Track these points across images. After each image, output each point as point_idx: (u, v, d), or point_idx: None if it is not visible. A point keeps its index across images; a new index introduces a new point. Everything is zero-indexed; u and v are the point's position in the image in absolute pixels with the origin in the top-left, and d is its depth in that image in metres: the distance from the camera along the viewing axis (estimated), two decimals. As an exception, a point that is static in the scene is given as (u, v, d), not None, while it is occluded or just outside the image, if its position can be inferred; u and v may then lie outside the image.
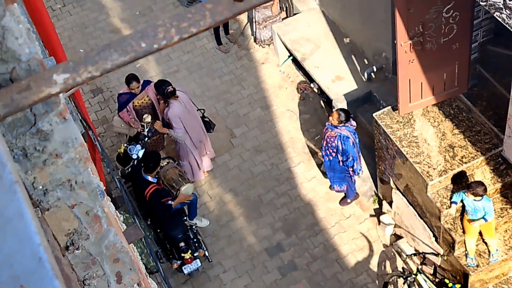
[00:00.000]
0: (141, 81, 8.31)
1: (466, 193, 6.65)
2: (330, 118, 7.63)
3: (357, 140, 7.72)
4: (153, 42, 1.48)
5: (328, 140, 7.74)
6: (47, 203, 1.60)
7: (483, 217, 6.72)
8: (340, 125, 7.56)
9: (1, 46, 1.47)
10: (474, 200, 6.61)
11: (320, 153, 8.64)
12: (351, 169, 7.89)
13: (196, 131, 8.34)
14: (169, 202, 7.61)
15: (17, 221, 1.15)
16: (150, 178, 7.59)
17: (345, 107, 8.60)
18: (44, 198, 1.60)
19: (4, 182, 1.20)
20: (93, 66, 1.47)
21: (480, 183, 6.62)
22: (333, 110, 8.08)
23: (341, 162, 7.83)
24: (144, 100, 8.28)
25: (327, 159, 7.94)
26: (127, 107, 8.31)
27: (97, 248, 1.70)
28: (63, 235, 1.64)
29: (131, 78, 8.16)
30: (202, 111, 8.60)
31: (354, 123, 7.69)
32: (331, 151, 7.80)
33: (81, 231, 1.68)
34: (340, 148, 7.67)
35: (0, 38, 1.47)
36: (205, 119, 8.57)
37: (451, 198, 6.99)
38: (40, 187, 1.60)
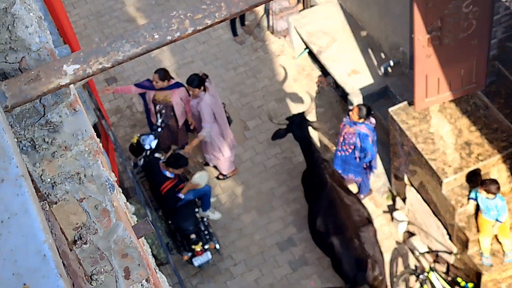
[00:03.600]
0: (171, 81, 8.22)
1: (479, 190, 6.58)
2: (350, 113, 7.55)
3: (375, 138, 7.64)
4: (167, 33, 1.44)
5: (345, 136, 7.68)
6: (55, 196, 1.56)
7: (496, 219, 6.65)
8: (360, 121, 7.48)
9: (11, 35, 1.43)
10: (487, 198, 6.54)
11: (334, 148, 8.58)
12: (367, 166, 7.84)
13: (224, 121, 8.34)
14: (179, 194, 7.59)
15: (22, 217, 1.12)
16: (168, 174, 7.57)
17: (361, 102, 8.53)
18: (52, 191, 1.56)
19: (10, 175, 1.16)
20: (104, 57, 1.43)
21: (494, 181, 6.54)
22: (354, 105, 8.01)
23: (357, 159, 7.77)
24: (165, 99, 8.23)
25: (343, 154, 7.88)
26: (147, 97, 8.28)
27: (105, 243, 1.67)
28: (71, 229, 1.61)
29: (156, 71, 8.15)
30: (223, 104, 8.59)
31: (373, 120, 7.61)
32: (347, 147, 7.75)
33: (90, 225, 1.64)
34: (359, 145, 7.61)
35: (9, 27, 1.43)
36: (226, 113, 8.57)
37: (469, 194, 6.91)
38: (49, 179, 1.57)
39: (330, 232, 7.35)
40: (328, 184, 7.61)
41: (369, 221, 7.51)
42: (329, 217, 7.47)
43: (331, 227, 7.39)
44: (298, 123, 7.93)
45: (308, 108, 8.05)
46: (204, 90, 7.96)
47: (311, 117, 8.58)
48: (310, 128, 8.09)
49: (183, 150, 8.00)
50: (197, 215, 7.99)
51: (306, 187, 8.03)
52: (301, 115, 7.99)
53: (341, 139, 7.77)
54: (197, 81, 7.87)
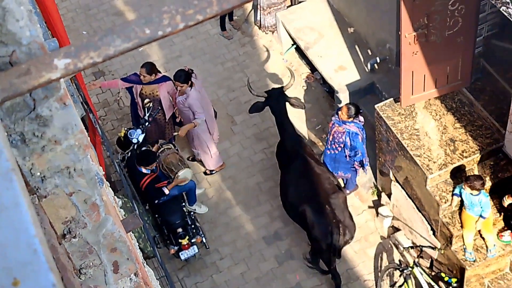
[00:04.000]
0: (158, 75, 8.20)
1: (463, 186, 6.64)
2: (339, 112, 7.57)
3: (365, 136, 7.68)
4: (158, 28, 1.44)
5: (335, 135, 7.69)
6: (44, 190, 1.57)
7: (480, 215, 6.71)
8: (349, 120, 7.50)
9: (1, 28, 1.43)
10: (471, 194, 6.60)
11: (321, 143, 8.59)
12: (358, 164, 7.86)
13: (211, 116, 8.34)
14: (164, 188, 7.58)
15: (12, 211, 1.12)
16: (144, 170, 7.55)
17: (348, 98, 8.56)
18: (42, 185, 1.57)
19: (0, 169, 1.16)
20: (95, 52, 1.43)
21: (479, 177, 6.60)
22: (341, 102, 8.02)
23: (347, 157, 7.80)
24: (153, 93, 8.21)
25: (332, 152, 7.90)
26: (134, 90, 8.26)
27: (94, 237, 1.67)
28: (60, 223, 1.62)
29: (143, 65, 8.14)
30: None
31: (362, 118, 7.64)
32: (337, 145, 7.78)
33: (79, 219, 1.65)
34: (349, 144, 7.63)
35: (0, 20, 1.43)
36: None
37: (453, 190, 6.97)
38: (38, 173, 1.57)
39: (302, 200, 7.50)
40: (300, 155, 7.83)
41: (339, 188, 7.68)
42: (301, 186, 7.64)
43: (303, 195, 7.55)
44: (276, 97, 8.05)
45: (288, 84, 8.12)
46: (191, 85, 7.95)
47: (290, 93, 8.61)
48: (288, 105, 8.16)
49: (178, 132, 8.05)
50: (184, 209, 8.00)
51: (279, 160, 8.23)
52: (280, 90, 8.10)
53: (330, 138, 7.79)
54: (184, 76, 7.87)
